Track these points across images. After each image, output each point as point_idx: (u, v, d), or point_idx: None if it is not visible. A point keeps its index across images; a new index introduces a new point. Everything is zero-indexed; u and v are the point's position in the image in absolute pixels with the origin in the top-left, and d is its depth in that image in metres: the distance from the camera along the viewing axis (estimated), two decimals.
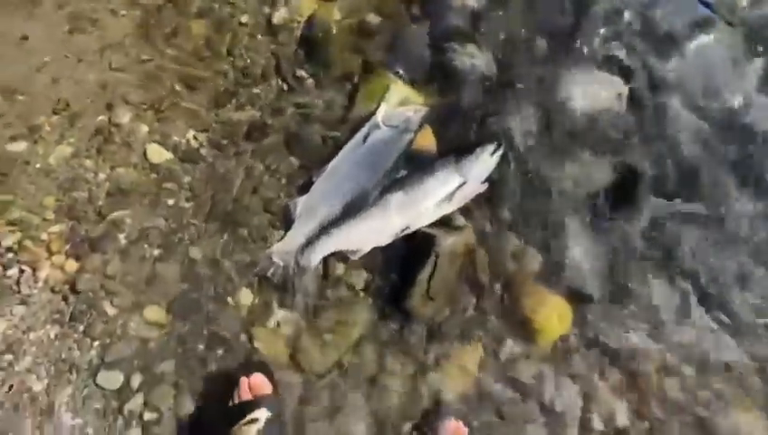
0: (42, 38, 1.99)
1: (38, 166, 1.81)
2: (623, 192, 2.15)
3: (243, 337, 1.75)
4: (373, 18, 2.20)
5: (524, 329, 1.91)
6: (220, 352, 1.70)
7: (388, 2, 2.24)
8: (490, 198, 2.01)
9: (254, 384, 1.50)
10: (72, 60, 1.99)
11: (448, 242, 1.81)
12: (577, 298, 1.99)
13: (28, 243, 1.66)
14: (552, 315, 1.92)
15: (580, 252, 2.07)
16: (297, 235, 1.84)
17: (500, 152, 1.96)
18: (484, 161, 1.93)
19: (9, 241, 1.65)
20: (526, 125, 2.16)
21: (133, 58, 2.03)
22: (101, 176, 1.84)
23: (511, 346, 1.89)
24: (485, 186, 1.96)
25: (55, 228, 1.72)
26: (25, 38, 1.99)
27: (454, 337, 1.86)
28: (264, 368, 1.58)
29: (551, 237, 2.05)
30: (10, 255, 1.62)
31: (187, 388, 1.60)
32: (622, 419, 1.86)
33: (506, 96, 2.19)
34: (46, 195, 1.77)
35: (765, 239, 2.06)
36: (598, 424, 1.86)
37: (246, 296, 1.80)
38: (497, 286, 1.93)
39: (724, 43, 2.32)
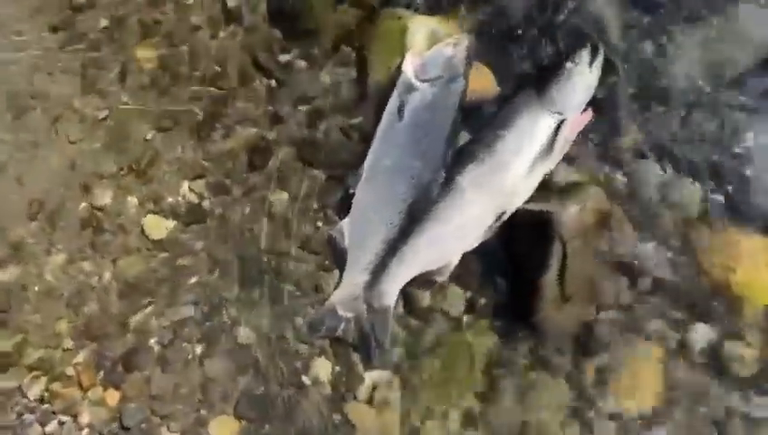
0: None
1: (37, 289, 1.49)
2: None
3: (336, 420, 1.33)
4: None
5: (719, 300, 1.27)
6: None
7: None
8: (602, 126, 1.35)
9: None
10: (29, 148, 1.62)
11: (571, 216, 1.20)
12: None
13: (56, 386, 1.37)
14: (758, 266, 1.25)
15: (763, 156, 1.34)
16: (355, 272, 1.34)
17: (600, 58, 1.27)
18: (581, 78, 1.26)
19: (37, 390, 1.37)
20: (617, 1, 1.42)
21: (89, 120, 1.61)
22: (106, 276, 1.48)
23: (704, 331, 1.27)
24: (590, 114, 1.30)
25: (79, 357, 1.41)
26: None
27: (614, 342, 1.29)
28: None
29: (715, 152, 1.35)
30: (43, 407, 1.35)
31: None
32: None
33: None
34: (57, 320, 1.45)
35: None
36: None
37: (323, 368, 1.37)
38: (656, 251, 1.31)
39: None
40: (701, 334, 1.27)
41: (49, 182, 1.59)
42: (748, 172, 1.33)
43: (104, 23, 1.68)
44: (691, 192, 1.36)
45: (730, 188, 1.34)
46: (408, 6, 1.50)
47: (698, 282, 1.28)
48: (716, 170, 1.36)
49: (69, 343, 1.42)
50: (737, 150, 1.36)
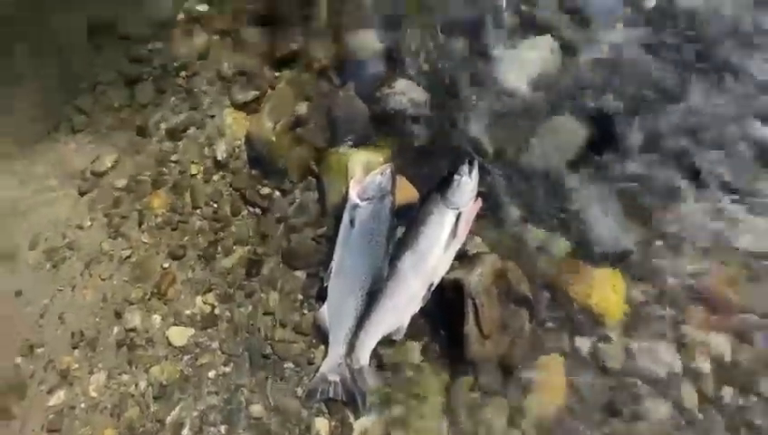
0: (32, 285, 1.96)
1: (83, 405, 1.75)
2: (602, 132, 2.01)
3: None
4: (301, 107, 2.13)
5: (588, 317, 1.75)
6: None
7: (307, 84, 2.16)
8: (489, 209, 1.89)
9: None
10: (67, 291, 1.95)
11: (475, 279, 1.68)
12: (618, 259, 1.84)
13: None
14: (606, 291, 1.76)
15: (595, 210, 1.91)
16: (337, 345, 1.73)
17: (476, 167, 1.84)
18: (467, 184, 1.80)
19: None
20: (483, 124, 2.05)
21: (116, 260, 1.98)
22: (142, 384, 1.77)
23: (585, 340, 1.73)
24: (479, 202, 1.84)
25: None
26: (19, 293, 1.96)
27: (527, 360, 1.71)
28: None
29: (562, 211, 1.90)
30: None
31: None
32: (727, 350, 1.69)
33: (452, 109, 2.08)
34: (104, 429, 1.70)
35: None
36: (706, 367, 1.69)
37: (322, 425, 1.69)
38: (542, 289, 1.80)
39: None
40: (584, 342, 1.73)
41: (86, 315, 1.90)
42: (592, 226, 1.88)
43: (122, 182, 2.12)
44: (558, 243, 1.88)
45: (581, 236, 1.88)
46: (347, 145, 2.05)
47: (571, 305, 1.76)
48: (571, 225, 1.90)
49: None
50: (580, 210, 1.93)
